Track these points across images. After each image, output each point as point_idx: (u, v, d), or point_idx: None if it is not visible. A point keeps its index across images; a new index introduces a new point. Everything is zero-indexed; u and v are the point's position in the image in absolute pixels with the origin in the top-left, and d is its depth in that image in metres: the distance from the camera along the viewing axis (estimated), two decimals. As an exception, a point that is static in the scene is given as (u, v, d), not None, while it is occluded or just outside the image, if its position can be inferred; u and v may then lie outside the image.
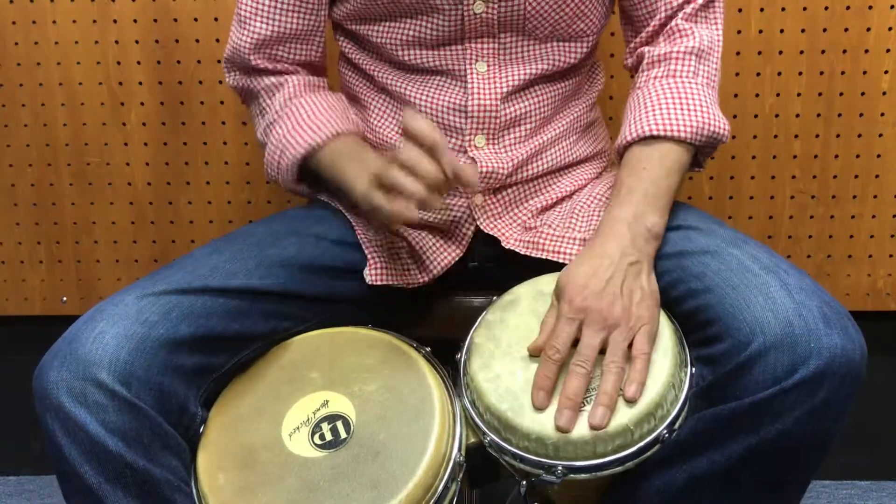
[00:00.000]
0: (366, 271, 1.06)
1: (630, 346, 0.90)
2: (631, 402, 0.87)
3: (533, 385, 0.90)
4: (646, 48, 1.08)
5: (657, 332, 0.92)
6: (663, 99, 1.02)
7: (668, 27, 1.07)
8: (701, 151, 1.04)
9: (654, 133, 1.00)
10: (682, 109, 1.01)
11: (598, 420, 0.86)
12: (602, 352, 0.90)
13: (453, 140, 1.08)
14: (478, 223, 1.09)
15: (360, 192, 0.96)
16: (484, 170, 1.07)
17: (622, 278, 0.92)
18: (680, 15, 1.06)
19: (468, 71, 1.06)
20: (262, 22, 1.08)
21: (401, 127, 0.90)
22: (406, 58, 1.07)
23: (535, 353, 0.93)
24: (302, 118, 1.07)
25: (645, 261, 0.95)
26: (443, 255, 1.09)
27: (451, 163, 0.88)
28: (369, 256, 1.07)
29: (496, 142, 1.08)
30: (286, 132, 1.07)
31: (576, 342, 0.91)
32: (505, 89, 1.06)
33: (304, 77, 1.12)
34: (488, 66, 1.06)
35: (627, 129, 1.03)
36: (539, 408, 0.89)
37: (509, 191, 1.10)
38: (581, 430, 0.87)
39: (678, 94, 1.02)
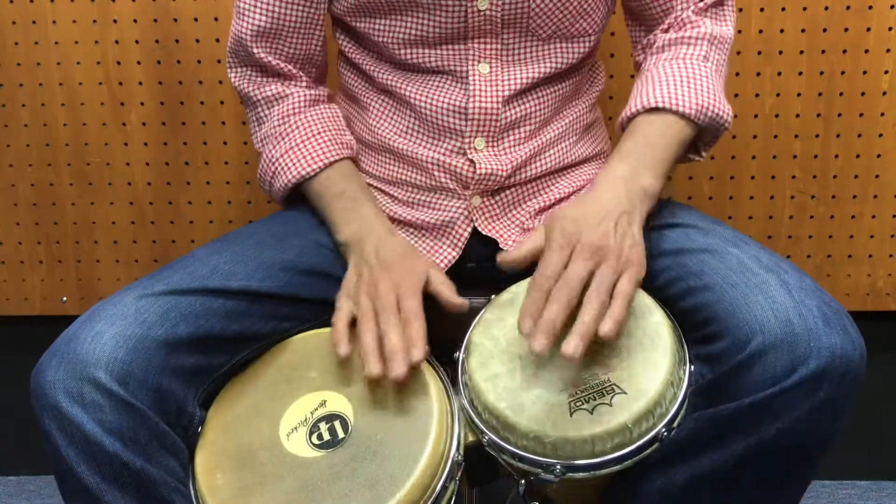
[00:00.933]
0: None
1: (614, 287, 0.88)
2: (605, 338, 0.84)
3: (520, 312, 0.88)
4: (655, 35, 1.09)
5: (642, 279, 0.91)
6: (671, 77, 1.02)
7: (680, 18, 1.08)
8: (703, 137, 1.04)
9: (659, 105, 1.00)
10: (688, 87, 1.01)
11: (572, 349, 0.83)
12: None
13: (452, 142, 1.08)
14: (476, 225, 1.09)
15: (339, 243, 1.05)
16: (482, 171, 1.07)
17: (615, 221, 0.92)
18: (692, 9, 1.07)
19: (470, 72, 1.06)
20: (260, 13, 1.08)
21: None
22: (407, 56, 1.07)
23: (505, 264, 0.95)
24: (295, 142, 1.08)
25: (637, 214, 0.94)
26: (439, 257, 1.09)
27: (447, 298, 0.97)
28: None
29: (496, 144, 1.08)
30: (280, 155, 1.09)
31: None
32: (507, 92, 1.06)
33: (305, 91, 1.12)
34: (491, 67, 1.06)
35: (632, 102, 1.03)
36: (525, 334, 0.86)
37: (508, 192, 1.10)
38: (580, 429, 0.87)
39: (686, 73, 1.03)
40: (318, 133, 1.09)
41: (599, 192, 0.95)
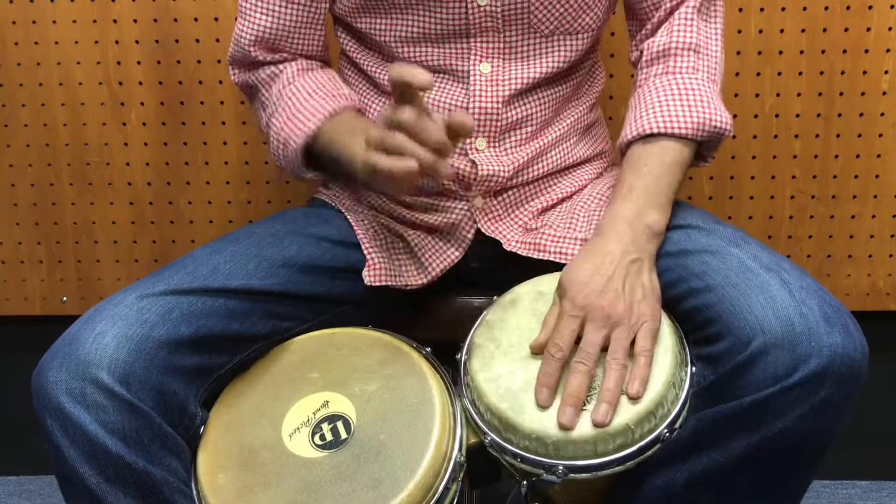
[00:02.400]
0: (364, 272, 1.06)
1: (633, 344, 0.90)
2: (635, 399, 0.87)
3: (536, 383, 0.90)
4: (646, 42, 1.08)
5: (659, 330, 0.92)
6: (663, 96, 1.02)
7: (669, 20, 1.07)
8: (705, 146, 1.04)
9: (655, 131, 1.00)
10: (682, 106, 1.01)
11: (602, 417, 0.86)
12: (605, 350, 0.90)
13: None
14: (478, 225, 1.09)
15: (360, 160, 0.90)
16: (484, 173, 1.07)
17: (624, 276, 0.92)
18: (682, 7, 1.07)
19: (471, 72, 1.05)
20: (262, 13, 1.08)
21: (389, 79, 0.84)
22: (408, 55, 1.07)
23: (536, 351, 0.93)
24: (295, 107, 1.06)
25: (646, 258, 0.95)
26: (442, 257, 1.09)
27: (444, 118, 0.85)
28: (368, 257, 1.07)
29: (497, 145, 1.08)
30: (282, 124, 1.06)
31: (578, 340, 0.91)
32: (508, 92, 1.06)
33: (299, 62, 1.12)
34: (492, 67, 1.05)
35: (628, 128, 1.03)
36: (543, 406, 0.89)
37: (510, 193, 1.10)
38: (582, 429, 0.87)
39: (678, 90, 1.02)
40: (316, 91, 1.07)
41: (605, 239, 0.96)
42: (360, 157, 0.90)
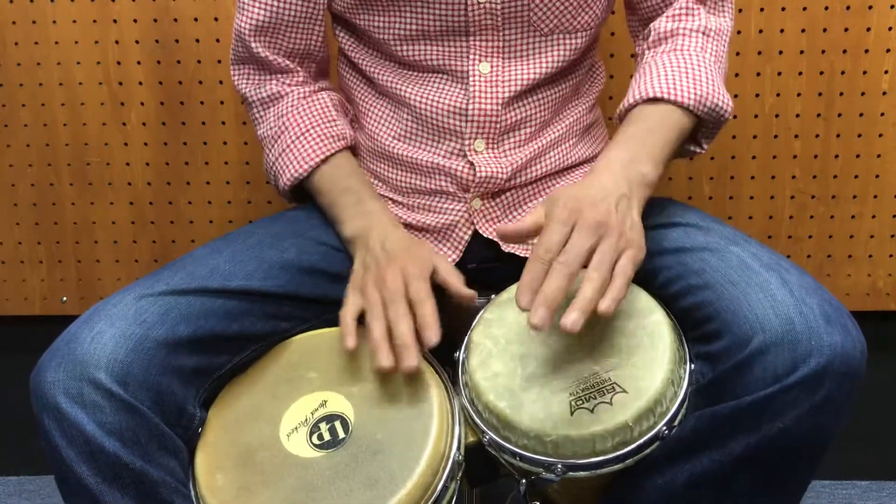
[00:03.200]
0: None
1: (614, 265, 0.87)
2: (603, 315, 0.83)
3: (519, 286, 0.86)
4: (651, 25, 1.08)
5: (641, 261, 0.89)
6: (669, 69, 1.02)
7: (677, 8, 1.07)
8: (703, 127, 1.04)
9: (657, 95, 1.00)
10: (686, 78, 1.01)
11: (571, 323, 0.81)
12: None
13: (452, 143, 1.08)
14: (476, 227, 1.09)
15: (346, 235, 1.04)
16: (483, 174, 1.06)
17: (615, 201, 0.90)
18: (691, 2, 1.07)
19: (470, 72, 1.05)
20: (259, 7, 1.08)
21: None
22: (407, 53, 1.07)
23: (505, 236, 0.92)
24: (287, 144, 1.09)
25: (636, 199, 0.93)
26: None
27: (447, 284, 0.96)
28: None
29: (496, 146, 1.08)
30: (276, 158, 1.10)
31: None
32: (507, 93, 1.06)
33: (300, 89, 1.12)
34: (492, 66, 1.05)
35: (630, 93, 1.02)
36: (523, 308, 0.84)
37: (508, 195, 1.10)
38: (581, 428, 0.87)
39: (684, 64, 1.02)
40: (308, 130, 1.09)
41: (598, 175, 0.94)
42: (346, 237, 1.05)
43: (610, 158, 0.97)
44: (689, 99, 1.00)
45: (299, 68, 1.13)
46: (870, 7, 1.42)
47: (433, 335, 0.90)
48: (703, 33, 1.06)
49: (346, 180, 1.07)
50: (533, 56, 1.06)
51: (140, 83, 1.52)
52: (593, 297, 0.83)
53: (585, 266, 0.85)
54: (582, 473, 0.88)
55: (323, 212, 1.10)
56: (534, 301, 0.83)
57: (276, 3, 1.08)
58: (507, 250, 1.07)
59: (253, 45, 1.10)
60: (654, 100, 1.00)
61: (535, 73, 1.07)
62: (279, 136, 1.10)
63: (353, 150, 1.13)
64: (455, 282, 0.97)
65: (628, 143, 0.98)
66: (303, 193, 1.12)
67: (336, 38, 1.15)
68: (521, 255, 1.06)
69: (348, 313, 0.95)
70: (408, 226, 1.11)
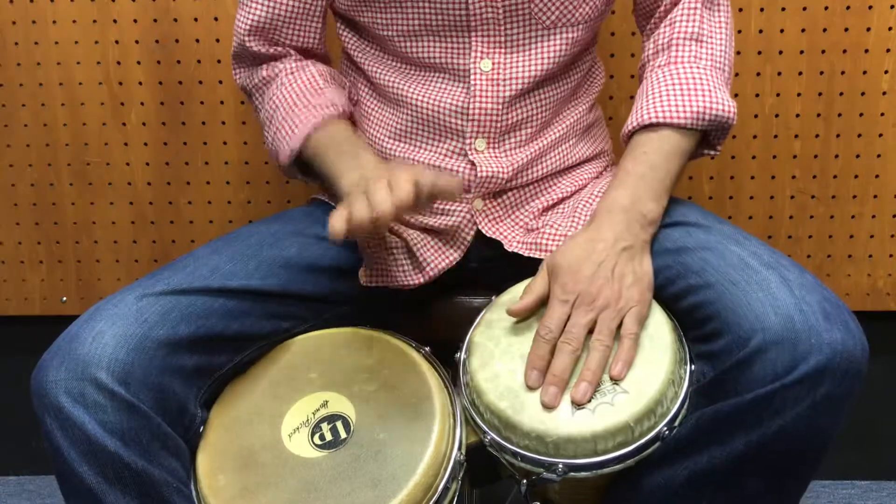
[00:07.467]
0: (360, 272, 1.06)
1: (620, 328, 0.91)
2: (616, 380, 0.88)
3: (526, 365, 0.91)
4: (651, 36, 1.09)
5: (647, 315, 0.93)
6: (664, 86, 1.03)
7: (672, 12, 1.08)
8: (713, 134, 1.04)
9: (653, 120, 1.01)
10: (682, 95, 1.01)
11: (580, 396, 0.87)
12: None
13: (453, 142, 1.08)
14: (479, 227, 1.09)
15: (343, 188, 0.97)
16: (484, 174, 1.06)
17: (614, 262, 0.93)
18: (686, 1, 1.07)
19: (472, 70, 1.05)
20: (258, 3, 1.09)
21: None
22: (409, 49, 1.06)
23: (514, 315, 0.95)
24: (279, 121, 1.08)
25: (639, 245, 0.95)
26: (441, 258, 1.08)
27: (434, 181, 0.89)
28: (364, 258, 1.07)
29: (497, 146, 1.08)
30: (272, 139, 1.09)
31: None
32: (508, 93, 1.06)
33: (293, 63, 1.12)
34: (493, 63, 1.05)
35: (630, 119, 1.04)
36: (531, 387, 0.90)
37: (510, 194, 1.10)
38: (581, 427, 0.87)
39: (679, 79, 1.03)
40: (296, 103, 1.08)
41: (599, 224, 0.96)
42: (344, 187, 0.97)
43: (612, 201, 0.98)
44: (688, 118, 1.00)
45: (291, 52, 1.13)
46: (870, 7, 1.42)
47: (406, 188, 0.87)
48: (696, 40, 1.06)
49: (338, 145, 1.05)
50: (534, 51, 1.06)
51: (140, 83, 1.52)
52: (598, 368, 0.89)
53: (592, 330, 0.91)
54: (583, 473, 0.88)
55: (324, 182, 1.08)
56: (540, 379, 0.90)
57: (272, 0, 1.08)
58: (509, 249, 1.07)
59: (248, 43, 1.10)
60: (652, 125, 1.01)
61: (536, 70, 1.06)
62: (273, 116, 1.10)
63: (350, 116, 1.11)
64: (443, 182, 0.91)
65: (629, 181, 0.99)
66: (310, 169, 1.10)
67: (339, 38, 1.15)
68: (525, 254, 1.06)
69: (338, 210, 0.90)
70: (411, 226, 1.10)
